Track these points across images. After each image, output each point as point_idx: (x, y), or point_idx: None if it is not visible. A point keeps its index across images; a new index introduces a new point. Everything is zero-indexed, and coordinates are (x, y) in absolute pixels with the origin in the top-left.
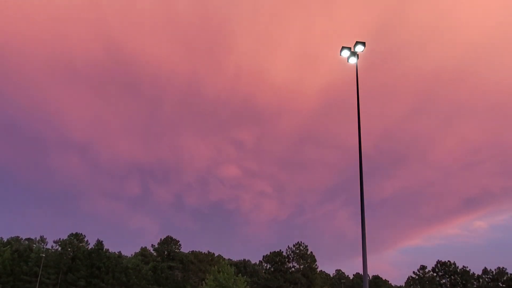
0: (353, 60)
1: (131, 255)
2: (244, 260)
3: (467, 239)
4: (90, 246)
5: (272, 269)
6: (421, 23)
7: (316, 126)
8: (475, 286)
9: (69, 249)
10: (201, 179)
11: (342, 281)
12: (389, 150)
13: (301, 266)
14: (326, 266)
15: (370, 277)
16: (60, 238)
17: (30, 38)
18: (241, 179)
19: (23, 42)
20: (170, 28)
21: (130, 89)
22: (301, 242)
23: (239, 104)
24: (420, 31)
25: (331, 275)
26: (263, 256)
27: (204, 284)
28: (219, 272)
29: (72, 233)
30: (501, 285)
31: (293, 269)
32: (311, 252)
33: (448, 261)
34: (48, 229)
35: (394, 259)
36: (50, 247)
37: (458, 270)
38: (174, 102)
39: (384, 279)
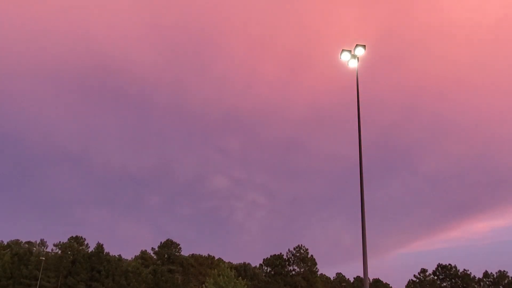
0: (353, 64)
1: (131, 258)
2: (244, 263)
3: (468, 242)
4: (90, 249)
5: (273, 272)
6: (413, 34)
7: (308, 134)
8: None
9: (69, 253)
10: (194, 185)
11: (343, 284)
12: (381, 157)
13: (302, 269)
14: (327, 269)
15: (371, 280)
16: (60, 241)
17: (19, 48)
18: (237, 184)
19: (14, 53)
20: (155, 35)
21: (118, 98)
22: (301, 245)
23: (228, 111)
24: (410, 42)
25: (332, 278)
26: (263, 259)
27: (204, 287)
28: (219, 275)
29: (72, 236)
30: None
31: (293, 272)
32: (312, 255)
33: (449, 264)
34: (48, 232)
35: (395, 263)
36: (50, 251)
37: (459, 274)
38: (163, 109)
39: (384, 282)
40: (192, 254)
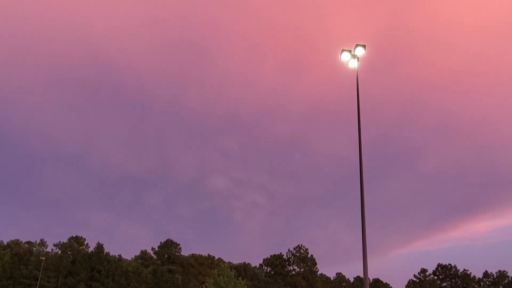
0: (353, 64)
1: (131, 258)
2: (244, 263)
3: (468, 242)
4: (90, 249)
5: (273, 272)
6: (413, 35)
7: (307, 134)
8: None
9: (69, 253)
10: (194, 185)
11: (343, 284)
12: (381, 157)
13: (302, 269)
14: (327, 269)
15: (371, 280)
16: (60, 241)
17: (18, 48)
18: (236, 184)
19: (13, 53)
20: (155, 35)
21: (118, 98)
22: (301, 245)
23: (228, 112)
24: (410, 42)
25: (332, 278)
26: (263, 259)
27: (204, 287)
28: (219, 275)
29: (72, 236)
30: None
31: (293, 272)
32: (312, 255)
33: (449, 264)
34: (48, 232)
35: (395, 263)
36: (50, 251)
37: (459, 274)
38: (162, 109)
39: (384, 282)
40: (192, 254)
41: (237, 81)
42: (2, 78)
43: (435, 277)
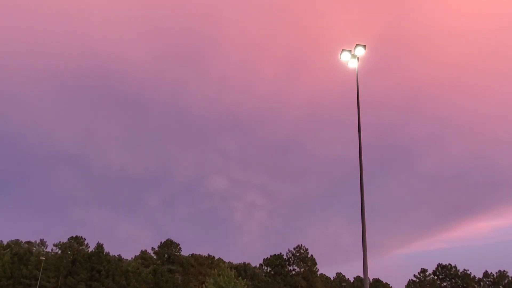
0: (353, 64)
1: (131, 258)
2: (244, 263)
3: (468, 242)
4: (90, 249)
5: (273, 272)
6: (411, 36)
7: (306, 134)
8: None
9: (69, 252)
10: (194, 185)
11: (343, 284)
12: (381, 157)
13: (302, 269)
14: (327, 269)
15: (371, 280)
16: (60, 241)
17: (18, 49)
18: (236, 184)
19: (13, 54)
20: (153, 36)
21: (117, 99)
22: (301, 245)
23: (227, 112)
24: (409, 44)
25: (332, 278)
26: (263, 259)
27: (204, 287)
28: (219, 275)
29: (72, 236)
30: None
31: (293, 272)
32: (312, 255)
33: (449, 264)
34: (48, 232)
35: (395, 263)
36: (50, 250)
37: (459, 273)
38: (161, 110)
39: (384, 282)
40: (192, 254)
41: (236, 82)
42: (2, 77)
43: (435, 277)
